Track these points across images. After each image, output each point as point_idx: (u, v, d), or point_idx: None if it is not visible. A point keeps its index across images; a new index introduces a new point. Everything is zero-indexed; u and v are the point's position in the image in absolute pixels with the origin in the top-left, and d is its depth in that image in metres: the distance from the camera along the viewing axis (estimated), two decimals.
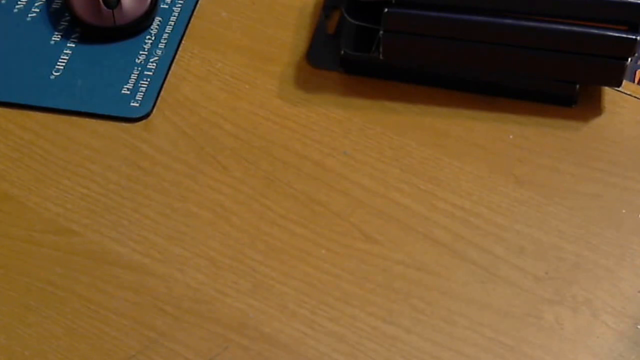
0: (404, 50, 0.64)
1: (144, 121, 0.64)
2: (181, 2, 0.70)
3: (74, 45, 0.68)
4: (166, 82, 0.65)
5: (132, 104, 0.64)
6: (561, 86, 0.64)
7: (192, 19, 0.69)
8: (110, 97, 0.65)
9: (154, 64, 0.66)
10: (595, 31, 0.61)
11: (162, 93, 0.65)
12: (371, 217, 0.59)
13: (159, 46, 0.67)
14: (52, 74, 0.66)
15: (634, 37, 0.60)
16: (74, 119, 0.64)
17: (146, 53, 0.67)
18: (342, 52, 0.65)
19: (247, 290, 0.56)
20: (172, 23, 0.69)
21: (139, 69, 0.66)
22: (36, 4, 0.70)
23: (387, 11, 0.62)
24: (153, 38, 0.68)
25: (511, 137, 0.63)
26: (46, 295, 0.55)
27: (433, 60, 0.64)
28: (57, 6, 0.70)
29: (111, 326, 0.54)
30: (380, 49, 0.63)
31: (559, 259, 0.57)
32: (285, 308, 0.55)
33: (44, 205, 0.59)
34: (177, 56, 0.67)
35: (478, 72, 0.64)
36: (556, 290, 0.56)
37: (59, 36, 0.68)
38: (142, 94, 0.65)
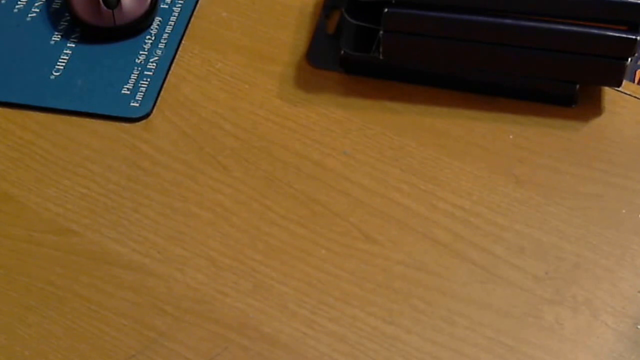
0: (404, 50, 0.64)
1: (144, 121, 0.64)
2: (181, 2, 0.70)
3: (74, 45, 0.68)
4: (166, 82, 0.65)
5: (132, 104, 0.64)
6: (561, 86, 0.64)
7: (192, 19, 0.69)
8: (110, 97, 0.65)
9: (154, 64, 0.66)
10: (595, 31, 0.61)
11: (162, 93, 0.65)
12: (371, 217, 0.59)
13: (159, 46, 0.67)
14: (52, 74, 0.66)
15: (634, 37, 0.60)
16: (74, 119, 0.64)
17: (146, 53, 0.67)
18: (342, 52, 0.65)
19: (247, 290, 0.56)
20: (172, 23, 0.69)
21: (139, 69, 0.66)
22: (36, 4, 0.70)
23: (387, 11, 0.62)
24: (153, 38, 0.68)
25: (511, 137, 0.63)
26: (46, 295, 0.55)
27: (433, 60, 0.64)
28: (57, 6, 0.70)
29: (111, 326, 0.54)
30: (380, 49, 0.63)
31: (559, 259, 0.57)
32: (285, 308, 0.55)
33: (44, 205, 0.59)
34: (177, 56, 0.67)
35: (478, 72, 0.64)
36: (556, 290, 0.56)
37: (59, 36, 0.68)
38: (142, 94, 0.65)
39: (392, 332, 0.54)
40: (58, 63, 0.66)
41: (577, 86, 0.63)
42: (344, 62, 0.66)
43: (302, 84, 0.65)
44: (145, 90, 0.65)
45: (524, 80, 0.64)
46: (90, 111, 0.64)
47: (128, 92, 0.65)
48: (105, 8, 0.66)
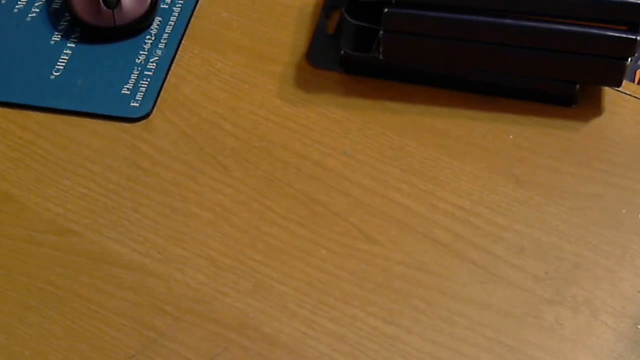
0: (404, 50, 0.64)
1: (144, 121, 0.64)
2: (181, 2, 0.70)
3: (74, 45, 0.68)
4: (166, 82, 0.65)
5: (132, 104, 0.64)
6: (561, 86, 0.64)
7: (192, 19, 0.69)
8: (110, 97, 0.65)
9: (154, 64, 0.66)
10: (595, 31, 0.61)
11: (162, 93, 0.65)
12: (371, 217, 0.59)
13: (159, 46, 0.67)
14: (52, 74, 0.66)
15: (634, 37, 0.60)
16: (74, 119, 0.64)
17: (146, 53, 0.67)
18: (342, 52, 0.65)
19: (247, 290, 0.56)
20: (172, 23, 0.69)
21: (139, 69, 0.66)
22: (36, 4, 0.70)
23: (387, 11, 0.62)
24: (153, 38, 0.68)
25: (511, 137, 0.63)
26: (46, 295, 0.55)
27: (433, 60, 0.64)
28: (57, 6, 0.70)
29: (111, 326, 0.54)
30: (380, 49, 0.63)
31: (559, 259, 0.57)
32: (285, 308, 0.55)
33: (44, 205, 0.59)
34: (177, 56, 0.67)
35: (478, 72, 0.64)
36: (556, 290, 0.56)
37: (59, 36, 0.68)
38: (142, 94, 0.65)
39: (392, 332, 0.54)
40: (58, 63, 0.66)
41: (577, 86, 0.63)
42: (344, 62, 0.66)
43: (302, 84, 0.65)
44: (145, 90, 0.65)
45: (524, 80, 0.64)
46: (90, 111, 0.64)
47: (128, 92, 0.65)
48: (105, 8, 0.66)
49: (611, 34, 0.60)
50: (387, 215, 0.59)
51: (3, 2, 0.70)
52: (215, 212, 0.59)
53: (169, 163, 0.61)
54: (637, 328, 0.54)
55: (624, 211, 0.59)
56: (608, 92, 0.65)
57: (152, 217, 0.59)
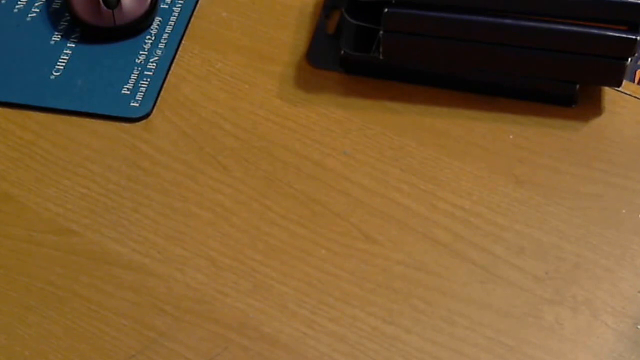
0: (404, 50, 0.64)
1: (144, 121, 0.64)
2: (181, 2, 0.70)
3: (74, 45, 0.68)
4: (166, 82, 0.65)
5: (132, 104, 0.64)
6: (561, 86, 0.64)
7: (192, 19, 0.69)
8: (110, 97, 0.65)
9: (154, 64, 0.66)
10: (595, 31, 0.61)
11: (162, 93, 0.65)
12: (371, 217, 0.59)
13: (159, 46, 0.67)
14: (52, 74, 0.66)
15: (634, 37, 0.60)
16: (74, 119, 0.64)
17: (146, 53, 0.67)
18: (342, 52, 0.65)
19: (247, 290, 0.56)
20: (172, 23, 0.69)
21: (139, 69, 0.66)
22: (36, 4, 0.70)
23: (387, 11, 0.62)
24: (153, 38, 0.68)
25: (511, 137, 0.63)
26: (46, 295, 0.55)
27: (433, 60, 0.64)
28: (57, 6, 0.70)
29: (111, 326, 0.54)
30: (380, 49, 0.63)
31: (559, 259, 0.57)
32: (285, 308, 0.55)
33: (44, 205, 0.59)
34: (177, 56, 0.67)
35: (478, 72, 0.64)
36: (556, 290, 0.56)
37: (59, 36, 0.68)
38: (142, 94, 0.65)
39: (392, 332, 0.54)
40: (58, 63, 0.66)
41: (577, 86, 0.63)
42: (344, 62, 0.66)
43: (302, 84, 0.65)
44: (145, 90, 0.65)
45: (524, 80, 0.64)
46: (90, 111, 0.64)
47: (128, 92, 0.65)
48: (105, 8, 0.66)
49: (611, 34, 0.60)
50: (387, 215, 0.59)
51: (3, 2, 0.70)
52: (215, 212, 0.59)
53: (169, 163, 0.61)
54: (637, 328, 0.54)
55: (624, 211, 0.59)
56: (608, 92, 0.65)
57: (152, 217, 0.59)
